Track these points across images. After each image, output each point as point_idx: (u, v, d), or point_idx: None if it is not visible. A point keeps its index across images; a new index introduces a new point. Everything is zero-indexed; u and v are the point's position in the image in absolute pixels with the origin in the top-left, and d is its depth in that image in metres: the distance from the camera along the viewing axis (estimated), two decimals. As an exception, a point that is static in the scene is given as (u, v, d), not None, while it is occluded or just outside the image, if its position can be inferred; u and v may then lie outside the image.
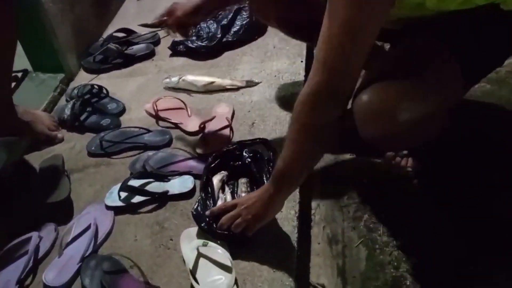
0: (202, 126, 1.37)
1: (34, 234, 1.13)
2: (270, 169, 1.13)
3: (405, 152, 1.25)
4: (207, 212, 1.05)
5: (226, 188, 1.16)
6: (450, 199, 1.18)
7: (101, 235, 1.14)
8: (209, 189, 1.13)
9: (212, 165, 1.18)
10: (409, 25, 0.98)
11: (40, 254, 1.12)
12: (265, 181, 1.11)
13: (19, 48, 1.63)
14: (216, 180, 1.16)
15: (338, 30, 0.76)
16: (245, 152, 1.19)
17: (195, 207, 1.08)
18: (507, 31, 0.92)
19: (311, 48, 1.74)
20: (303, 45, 1.67)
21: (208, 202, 1.11)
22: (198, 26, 1.79)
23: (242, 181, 1.17)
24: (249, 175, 1.17)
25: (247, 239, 1.02)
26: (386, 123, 0.86)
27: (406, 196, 1.22)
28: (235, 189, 1.16)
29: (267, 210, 0.99)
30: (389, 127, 0.87)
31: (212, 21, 1.78)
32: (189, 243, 1.06)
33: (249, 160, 1.18)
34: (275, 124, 1.38)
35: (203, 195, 1.11)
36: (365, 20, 0.75)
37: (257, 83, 1.54)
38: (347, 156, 1.35)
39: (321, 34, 0.79)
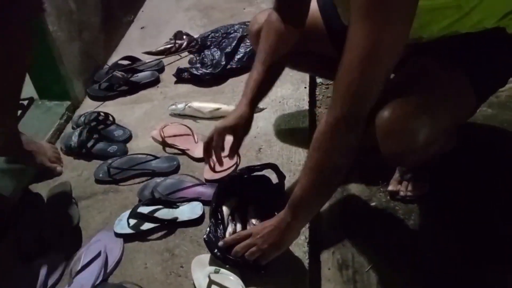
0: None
1: (43, 265, 1.12)
2: (280, 194, 1.14)
3: (410, 175, 1.27)
4: (220, 243, 1.05)
5: (236, 215, 1.16)
6: (451, 204, 1.21)
7: (111, 263, 1.13)
8: (219, 216, 1.14)
9: (221, 191, 1.19)
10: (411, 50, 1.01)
11: (49, 283, 1.11)
12: (274, 207, 1.11)
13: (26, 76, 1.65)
14: (225, 207, 1.16)
15: (359, 61, 0.77)
16: (254, 178, 1.20)
17: (206, 233, 1.08)
18: (510, 52, 0.97)
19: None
20: (306, 72, 1.71)
21: (218, 229, 1.11)
22: (202, 53, 1.82)
23: (252, 207, 1.17)
24: (258, 201, 1.18)
25: (261, 268, 1.02)
26: (407, 139, 0.90)
27: (414, 218, 1.23)
28: (245, 216, 1.16)
29: (284, 239, 0.99)
30: (410, 143, 0.91)
31: (216, 49, 1.81)
32: (201, 270, 1.06)
33: (257, 185, 1.19)
34: (282, 149, 1.39)
35: (213, 221, 1.12)
36: (386, 50, 0.76)
37: (262, 109, 1.54)
38: (354, 181, 1.36)
39: (342, 65, 0.81)
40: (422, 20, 0.87)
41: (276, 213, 1.03)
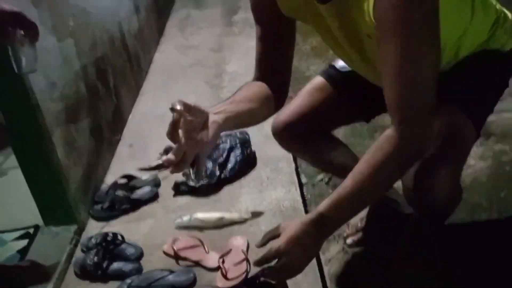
0: (221, 260, 1.47)
1: None
2: None
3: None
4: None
5: None
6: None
7: None
8: None
9: None
10: None
11: None
12: None
13: (32, 203, 1.71)
14: None
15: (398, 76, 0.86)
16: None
17: None
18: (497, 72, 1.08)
19: (299, 175, 1.96)
20: (293, 173, 1.89)
21: None
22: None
23: None
24: None
25: None
26: (431, 195, 1.00)
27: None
28: None
29: (309, 258, 1.05)
30: (434, 198, 1.01)
31: (208, 160, 1.96)
32: None
33: None
34: (287, 249, 1.51)
35: None
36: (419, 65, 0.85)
37: (261, 213, 1.68)
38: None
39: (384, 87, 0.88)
40: None
41: None
